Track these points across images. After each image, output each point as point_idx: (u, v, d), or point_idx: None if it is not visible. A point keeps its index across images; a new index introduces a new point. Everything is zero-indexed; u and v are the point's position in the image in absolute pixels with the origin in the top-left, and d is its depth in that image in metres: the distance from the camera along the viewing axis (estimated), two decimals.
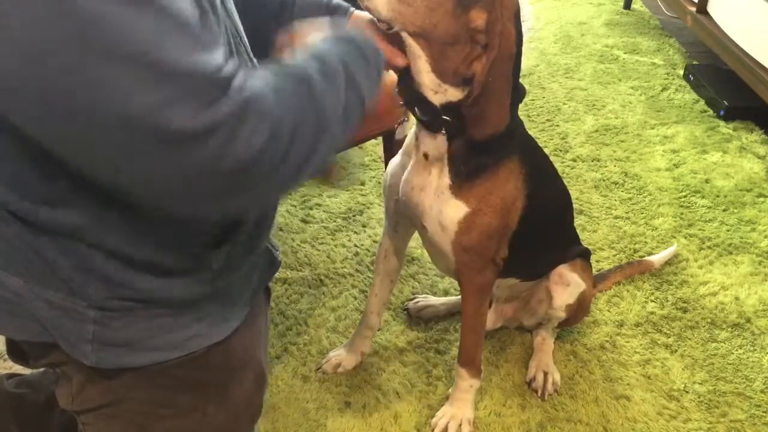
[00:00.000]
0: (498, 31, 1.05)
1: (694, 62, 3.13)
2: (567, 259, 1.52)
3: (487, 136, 1.15)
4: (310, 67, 0.81)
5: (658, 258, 1.92)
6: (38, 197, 0.80)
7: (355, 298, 1.80)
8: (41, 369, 1.50)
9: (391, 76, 1.17)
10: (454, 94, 1.13)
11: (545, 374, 1.56)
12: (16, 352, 1.01)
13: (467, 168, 1.21)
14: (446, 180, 1.23)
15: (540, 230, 1.36)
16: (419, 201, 1.27)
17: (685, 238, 2.05)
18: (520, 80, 1.18)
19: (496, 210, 1.24)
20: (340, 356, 1.58)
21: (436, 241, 1.29)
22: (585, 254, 1.57)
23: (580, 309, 1.55)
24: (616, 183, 2.31)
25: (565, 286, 1.51)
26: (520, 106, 1.23)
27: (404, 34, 1.07)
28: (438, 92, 1.13)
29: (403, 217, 1.40)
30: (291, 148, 0.75)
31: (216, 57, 0.69)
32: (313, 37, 0.93)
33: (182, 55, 0.66)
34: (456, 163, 1.21)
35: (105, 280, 0.86)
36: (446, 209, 1.24)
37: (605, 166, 2.40)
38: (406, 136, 1.35)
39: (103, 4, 0.62)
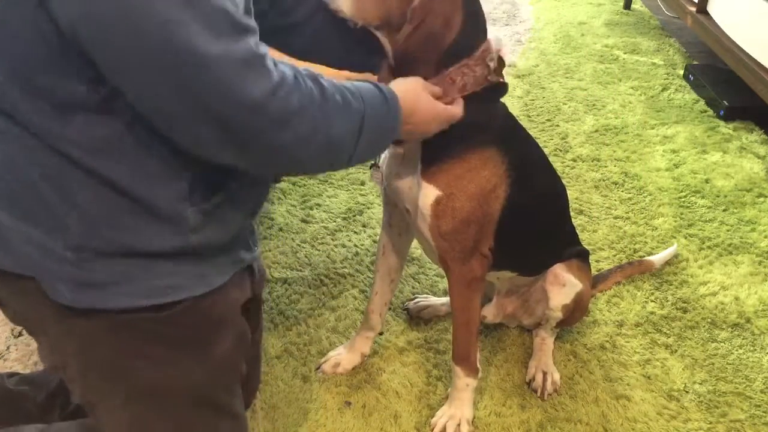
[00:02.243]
0: (427, 9, 1.14)
1: (694, 62, 3.13)
2: (563, 258, 1.52)
3: None
4: (335, 96, 0.94)
5: (658, 258, 1.92)
6: (53, 107, 0.86)
7: (355, 298, 1.80)
8: (41, 369, 1.50)
9: None
10: None
11: (544, 374, 1.56)
12: None
13: (437, 153, 1.24)
14: (419, 165, 1.26)
15: (529, 220, 1.36)
16: (399, 186, 1.31)
17: (685, 238, 2.05)
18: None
19: (470, 195, 1.25)
20: (340, 356, 1.58)
21: (418, 227, 1.31)
22: (582, 254, 1.56)
23: (577, 309, 1.55)
24: (616, 183, 2.31)
25: (561, 286, 1.51)
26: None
27: (372, 29, 1.17)
28: None
29: (394, 206, 1.43)
30: (282, 121, 0.88)
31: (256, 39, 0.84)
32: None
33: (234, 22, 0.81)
34: (426, 148, 1.25)
35: (86, 216, 0.90)
36: (420, 193, 1.26)
37: (605, 166, 2.40)
38: None
39: None
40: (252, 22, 0.85)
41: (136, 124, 0.87)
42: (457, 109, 1.18)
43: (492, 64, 1.21)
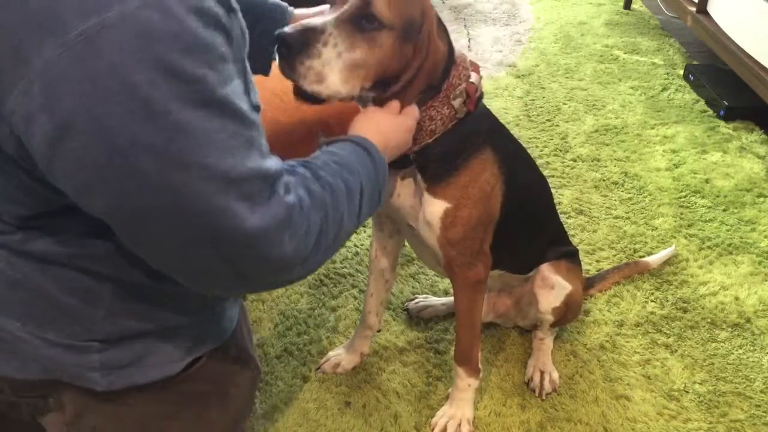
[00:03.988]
0: (430, 49, 1.11)
1: (694, 62, 3.13)
2: (551, 257, 1.51)
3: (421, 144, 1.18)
4: (339, 184, 0.89)
5: (655, 258, 1.91)
6: (53, 230, 0.82)
7: (355, 298, 1.80)
8: None
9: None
10: None
11: (542, 373, 1.56)
12: None
13: (438, 168, 1.22)
14: (421, 183, 1.24)
15: (518, 213, 1.36)
16: (399, 205, 1.30)
17: (685, 238, 2.05)
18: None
19: (476, 200, 1.25)
20: (340, 356, 1.58)
21: (423, 238, 1.30)
22: (571, 254, 1.56)
23: (569, 310, 1.54)
24: (616, 183, 2.31)
25: (550, 289, 1.50)
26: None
27: (363, 95, 1.11)
28: None
29: (387, 217, 1.43)
30: (311, 254, 0.83)
31: (266, 160, 0.76)
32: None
33: (242, 161, 0.72)
34: (425, 167, 1.22)
35: (113, 314, 0.87)
36: (427, 208, 1.25)
37: (605, 166, 2.40)
38: None
39: (189, 113, 0.67)
40: (266, 147, 0.79)
41: None
42: (412, 110, 1.13)
43: (457, 102, 1.16)
